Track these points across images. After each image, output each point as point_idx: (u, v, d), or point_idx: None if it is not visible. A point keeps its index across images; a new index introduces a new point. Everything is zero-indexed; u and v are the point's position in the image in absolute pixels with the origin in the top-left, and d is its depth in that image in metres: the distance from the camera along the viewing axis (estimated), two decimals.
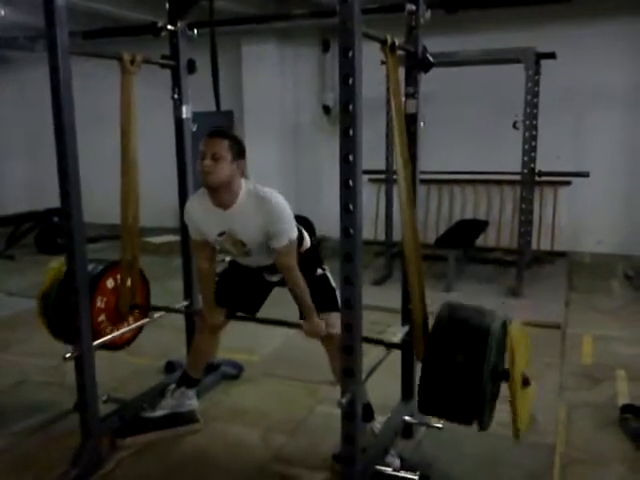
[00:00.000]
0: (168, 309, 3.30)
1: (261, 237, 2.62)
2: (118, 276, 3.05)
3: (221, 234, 2.67)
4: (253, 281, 2.94)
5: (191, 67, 3.18)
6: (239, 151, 2.60)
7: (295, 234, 2.66)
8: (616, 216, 6.75)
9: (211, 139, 2.55)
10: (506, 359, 2.32)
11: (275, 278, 2.91)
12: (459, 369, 2.19)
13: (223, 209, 2.62)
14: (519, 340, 2.26)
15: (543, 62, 5.66)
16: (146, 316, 3.20)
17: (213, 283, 2.92)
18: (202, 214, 2.69)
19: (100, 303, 2.97)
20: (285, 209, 2.59)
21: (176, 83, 3.17)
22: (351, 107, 2.02)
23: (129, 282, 3.04)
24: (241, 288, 2.97)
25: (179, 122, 3.22)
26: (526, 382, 2.27)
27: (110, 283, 3.03)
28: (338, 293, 2.54)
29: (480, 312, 2.33)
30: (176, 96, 3.17)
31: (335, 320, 2.61)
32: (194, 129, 3.26)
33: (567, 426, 3.06)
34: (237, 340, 3.92)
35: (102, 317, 2.99)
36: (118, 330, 3.05)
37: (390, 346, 2.73)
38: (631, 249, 6.66)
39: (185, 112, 3.20)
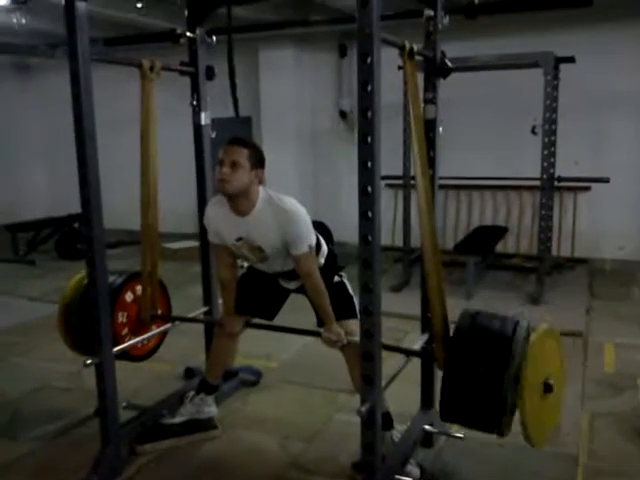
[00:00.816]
0: (189, 319, 3.30)
1: (279, 244, 2.61)
2: (137, 287, 3.06)
3: (239, 239, 2.67)
4: (270, 287, 2.94)
5: (210, 74, 3.19)
6: (258, 160, 2.60)
7: (314, 240, 2.66)
8: (637, 222, 6.67)
9: (230, 147, 2.56)
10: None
11: (292, 285, 2.90)
12: (481, 377, 2.16)
13: (241, 216, 2.63)
14: (540, 344, 2.23)
15: (562, 67, 5.60)
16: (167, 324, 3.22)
17: (234, 291, 2.92)
18: (221, 219, 2.70)
19: (122, 318, 2.98)
20: (303, 216, 2.59)
21: (195, 90, 3.19)
22: (369, 114, 2.01)
23: (149, 292, 3.05)
24: (258, 294, 2.97)
25: (198, 128, 3.23)
26: (548, 388, 2.24)
27: (129, 296, 3.04)
28: (356, 300, 2.51)
29: (502, 319, 2.30)
30: (195, 102, 3.18)
31: (354, 327, 2.60)
32: (213, 135, 3.27)
33: (590, 436, 3.01)
34: (255, 346, 3.93)
35: (125, 331, 3.00)
36: (141, 343, 3.06)
37: (410, 354, 2.70)
38: None
39: (204, 118, 3.21)
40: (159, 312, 3.14)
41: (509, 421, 2.28)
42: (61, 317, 3.03)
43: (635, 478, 2.65)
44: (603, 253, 6.80)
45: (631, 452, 2.86)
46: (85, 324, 2.73)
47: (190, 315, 3.32)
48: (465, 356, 2.23)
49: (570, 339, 4.23)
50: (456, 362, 2.25)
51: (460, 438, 2.71)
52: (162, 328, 3.17)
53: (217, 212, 2.72)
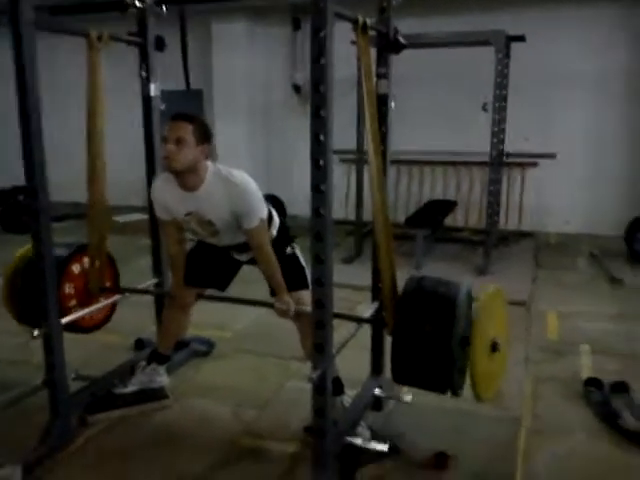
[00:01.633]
0: (138, 290, 3.27)
1: (230, 217, 2.60)
2: (85, 259, 3.01)
3: (188, 214, 2.65)
4: (221, 258, 2.93)
5: (159, 44, 3.12)
6: (203, 135, 2.54)
7: (265, 213, 2.66)
8: (582, 197, 6.90)
9: (174, 123, 2.50)
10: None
11: (244, 257, 2.90)
12: (428, 338, 2.23)
13: (190, 191, 2.59)
14: (488, 306, 2.30)
15: (513, 45, 5.70)
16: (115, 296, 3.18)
17: (183, 266, 2.90)
18: (169, 195, 2.66)
19: (69, 289, 2.93)
20: (253, 189, 2.57)
21: (144, 60, 3.11)
22: (322, 87, 2.01)
23: (97, 264, 3.00)
24: (209, 265, 2.96)
25: (147, 100, 3.16)
26: (495, 347, 2.32)
27: (77, 268, 2.99)
28: (308, 271, 2.55)
29: (446, 283, 2.37)
30: (144, 74, 3.11)
31: (305, 298, 2.64)
32: (162, 107, 3.21)
33: (533, 399, 3.14)
34: (208, 317, 3.92)
35: (72, 302, 2.95)
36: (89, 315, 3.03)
37: (360, 321, 2.75)
38: (596, 229, 6.82)
39: (153, 90, 3.14)
40: (107, 284, 3.10)
41: (460, 381, 2.36)
42: (6, 289, 2.96)
43: (574, 437, 2.77)
44: (549, 227, 7.03)
45: (571, 413, 3.00)
46: (32, 296, 2.68)
47: (140, 287, 3.29)
48: (412, 318, 2.29)
49: (515, 308, 4.38)
50: (404, 325, 2.31)
51: (408, 402, 2.79)
52: (111, 300, 3.13)
53: (164, 188, 2.67)
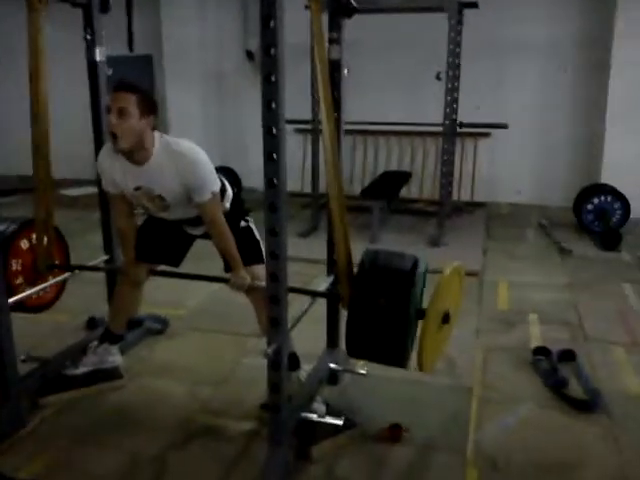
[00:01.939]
0: (89, 267, 3.19)
1: (180, 191, 2.53)
2: (33, 235, 2.91)
3: (137, 189, 2.57)
4: (174, 233, 2.87)
5: (104, 6, 2.99)
6: (149, 106, 2.44)
7: (218, 186, 2.60)
8: (533, 167, 7.02)
9: (117, 93, 2.39)
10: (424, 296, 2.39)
11: (197, 232, 2.85)
12: (383, 312, 2.24)
13: (138, 165, 2.51)
14: (447, 280, 2.33)
15: (466, 12, 5.69)
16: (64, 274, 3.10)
17: (133, 240, 2.83)
18: (116, 169, 2.56)
19: (16, 266, 2.83)
20: (204, 162, 2.50)
21: (88, 23, 2.98)
22: (273, 51, 1.95)
23: (45, 241, 2.91)
24: (161, 240, 2.89)
25: (92, 65, 3.04)
26: (445, 319, 2.35)
27: (24, 244, 2.89)
28: (263, 245, 2.53)
29: (401, 256, 2.38)
30: (88, 37, 2.98)
31: (261, 272, 2.61)
32: (109, 73, 3.09)
33: (483, 368, 3.21)
34: (162, 294, 3.87)
35: (19, 280, 2.85)
36: (38, 294, 2.94)
37: (315, 295, 2.75)
38: (546, 199, 6.97)
39: (99, 54, 3.02)
40: (56, 261, 3.02)
41: (411, 353, 2.39)
42: None
43: (523, 405, 2.86)
44: (501, 197, 7.14)
45: (520, 382, 3.08)
46: None
47: (90, 264, 3.21)
48: (367, 292, 2.29)
49: (467, 279, 4.43)
50: (359, 299, 2.31)
51: (364, 375, 2.82)
52: (60, 278, 3.05)
53: (112, 162, 2.57)
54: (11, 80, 6.05)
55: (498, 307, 4.08)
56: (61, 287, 3.16)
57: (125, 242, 2.84)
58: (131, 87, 2.41)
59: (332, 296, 2.77)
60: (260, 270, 2.63)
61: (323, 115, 2.36)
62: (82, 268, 3.15)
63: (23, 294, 2.80)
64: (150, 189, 2.55)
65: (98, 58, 3.03)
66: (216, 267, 2.82)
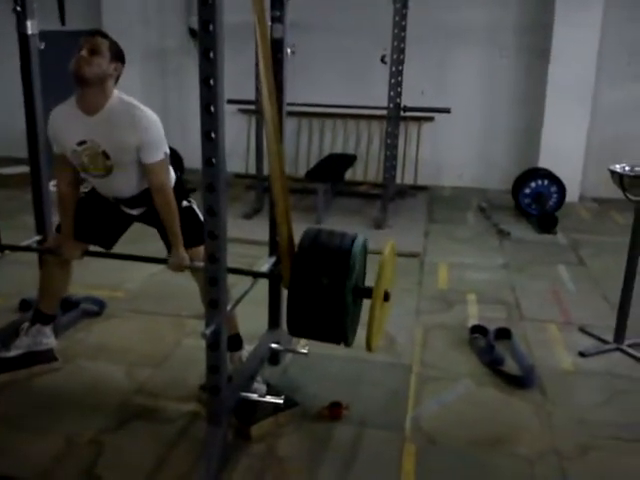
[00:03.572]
0: (20, 247, 3.07)
1: (128, 148, 2.47)
2: None
3: (81, 143, 2.49)
4: (110, 213, 2.79)
5: None
6: (118, 54, 2.50)
7: (168, 151, 2.57)
8: (474, 151, 7.14)
9: (91, 36, 2.45)
10: (369, 278, 2.41)
11: (135, 212, 2.78)
12: (322, 290, 2.24)
13: (89, 114, 2.46)
14: (389, 260, 2.35)
15: None
16: None
17: (72, 212, 2.74)
18: (64, 121, 2.53)
19: None
20: (158, 122, 2.50)
21: None
22: (211, 27, 1.91)
23: None
24: (97, 219, 2.81)
25: (23, 39, 2.90)
26: (386, 297, 2.38)
27: None
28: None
29: (341, 235, 2.38)
30: (18, 8, 2.85)
31: (203, 253, 2.57)
32: (42, 47, 2.97)
33: (423, 347, 3.27)
34: (99, 276, 3.78)
35: None
36: None
37: (257, 275, 2.73)
38: (487, 183, 7.11)
39: (30, 27, 2.89)
40: None
41: (353, 331, 2.41)
42: None
43: (460, 382, 2.93)
44: (443, 181, 7.25)
45: (458, 359, 3.16)
46: None
47: (22, 244, 3.09)
48: (308, 271, 2.29)
49: (409, 260, 4.52)
50: (300, 277, 2.31)
51: (305, 354, 2.82)
52: None
53: (61, 114, 2.54)
54: None
55: (438, 287, 4.16)
56: None
57: (62, 211, 2.75)
58: (104, 34, 2.50)
59: (273, 276, 2.76)
60: (203, 251, 2.58)
61: (264, 94, 2.32)
62: (13, 248, 3.03)
63: None
64: (96, 143, 2.48)
65: (30, 32, 2.90)
66: (155, 249, 2.77)
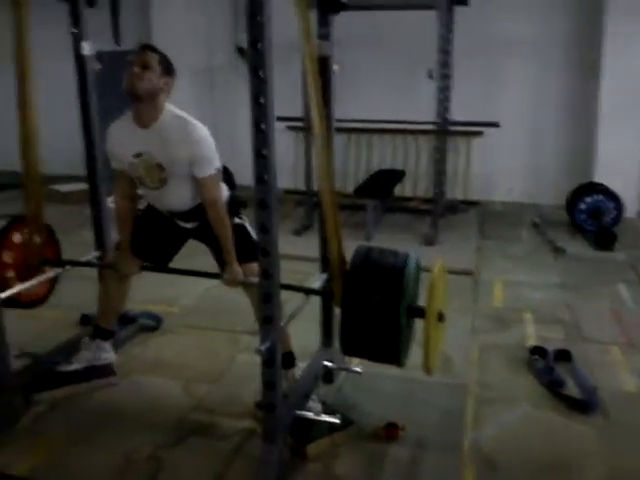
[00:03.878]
0: (80, 263, 3.15)
1: (181, 160, 2.52)
2: (24, 230, 2.87)
3: (137, 155, 2.56)
4: (166, 230, 2.83)
5: None
6: (168, 67, 2.56)
7: (219, 166, 2.61)
8: (524, 166, 7.02)
9: (142, 51, 2.52)
10: (421, 297, 2.38)
11: (189, 225, 2.81)
12: (375, 309, 2.22)
13: (144, 127, 2.53)
14: (439, 278, 2.32)
15: (457, 10, 5.68)
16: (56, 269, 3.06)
17: (130, 226, 2.81)
18: (121, 135, 2.61)
19: (7, 258, 2.79)
20: (209, 137, 2.55)
21: (74, 17, 2.95)
22: (260, 46, 1.94)
23: (36, 236, 2.87)
24: (153, 236, 2.86)
25: (80, 59, 3.01)
26: (441, 317, 2.34)
27: (17, 238, 2.85)
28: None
29: (394, 253, 2.36)
30: (75, 31, 2.95)
31: (255, 269, 2.59)
32: (98, 67, 3.06)
33: (479, 367, 3.21)
34: (155, 292, 3.84)
35: (10, 273, 2.81)
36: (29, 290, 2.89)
37: (309, 292, 2.73)
38: (538, 198, 6.96)
39: (86, 48, 2.98)
40: (48, 257, 2.97)
41: (406, 351, 2.38)
42: None
43: (519, 405, 2.85)
44: (494, 195, 7.14)
45: (516, 380, 3.07)
46: None
47: (82, 259, 3.17)
48: (359, 289, 2.27)
49: (462, 278, 4.45)
50: (352, 296, 2.29)
51: (358, 373, 2.80)
52: (51, 273, 3.01)
53: (117, 128, 2.63)
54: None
55: (493, 306, 4.07)
56: (53, 283, 3.12)
57: (122, 226, 2.82)
58: (154, 48, 2.57)
59: (325, 293, 2.76)
60: (256, 268, 2.60)
61: (313, 112, 2.34)
62: (73, 263, 3.11)
63: (15, 289, 2.75)
64: (151, 156, 2.54)
65: (85, 52, 3.00)
66: (207, 265, 2.80)
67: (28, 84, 2.65)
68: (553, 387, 2.96)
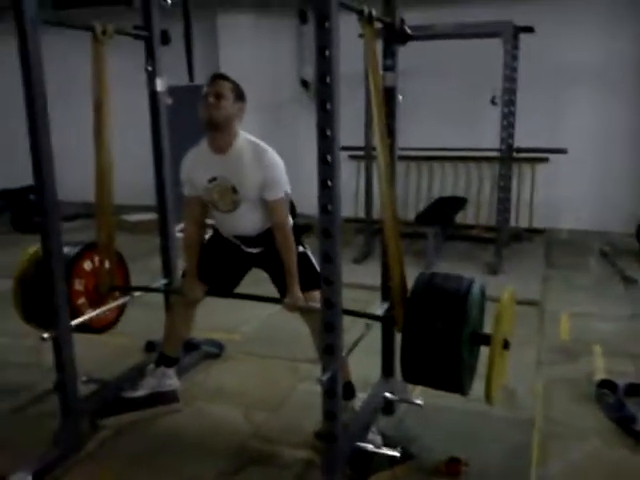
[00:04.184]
0: (148, 289, 3.26)
1: (254, 184, 2.61)
2: (96, 258, 3.00)
3: (212, 180, 2.67)
4: (232, 257, 2.89)
5: (164, 38, 3.11)
6: (240, 94, 2.68)
7: (289, 191, 2.69)
8: (593, 193, 6.82)
9: (215, 81, 2.63)
10: (484, 323, 2.36)
11: (255, 250, 2.85)
12: (438, 335, 2.19)
13: (219, 153, 2.65)
14: (508, 305, 2.27)
15: (522, 36, 5.63)
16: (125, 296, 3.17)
17: (197, 253, 2.89)
18: (197, 160, 2.73)
19: (79, 286, 2.91)
20: (280, 162, 2.64)
21: (149, 55, 3.09)
22: (328, 79, 1.98)
23: (107, 263, 2.99)
24: (220, 263, 2.93)
25: (153, 95, 3.14)
26: (506, 345, 2.29)
27: (88, 265, 2.98)
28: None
29: (457, 278, 2.33)
30: (150, 68, 3.09)
31: (318, 297, 2.61)
32: (170, 102, 3.19)
33: (545, 401, 3.10)
34: (217, 319, 3.91)
35: (82, 300, 2.93)
36: (99, 315, 3.01)
37: (371, 318, 2.71)
38: (607, 225, 6.74)
39: (160, 85, 3.12)
40: (117, 284, 3.08)
41: (469, 379, 2.33)
42: (16, 289, 2.94)
43: (587, 441, 2.74)
44: (560, 223, 6.96)
45: (584, 415, 2.95)
46: (41, 296, 2.66)
47: (151, 286, 3.27)
48: (423, 315, 2.24)
49: (527, 308, 4.33)
50: (413, 321, 2.27)
51: (420, 405, 2.76)
52: (121, 300, 3.12)
53: (193, 155, 2.75)
54: (75, 110, 6.30)
55: (560, 337, 3.94)
56: (122, 309, 3.23)
57: (190, 252, 2.90)
58: (225, 77, 2.70)
59: (386, 319, 2.74)
60: (317, 296, 2.62)
61: (378, 142, 2.37)
62: (142, 289, 3.22)
63: (84, 317, 2.86)
64: (225, 179, 2.64)
65: (159, 88, 3.14)
66: (269, 293, 2.84)
67: (105, 118, 2.79)
68: (623, 423, 2.83)
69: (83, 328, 2.90)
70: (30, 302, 2.90)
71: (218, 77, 2.66)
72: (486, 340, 2.25)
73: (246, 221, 2.75)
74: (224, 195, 2.68)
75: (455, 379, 2.26)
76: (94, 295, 3.00)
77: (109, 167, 2.87)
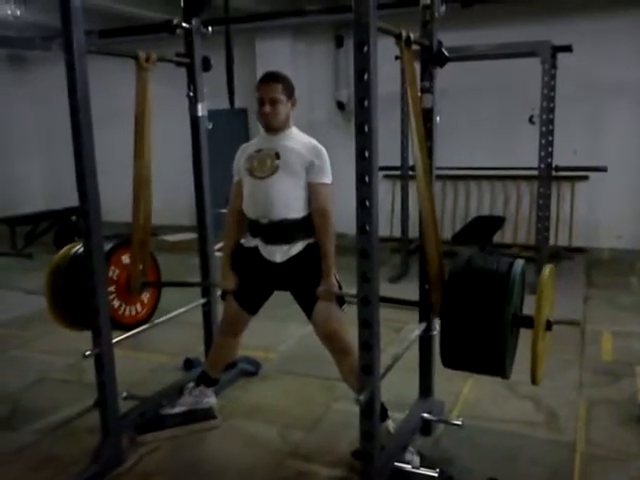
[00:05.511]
0: (178, 284, 3.32)
1: (299, 160, 2.66)
2: (128, 254, 3.09)
3: (259, 150, 2.75)
4: (257, 276, 2.80)
5: (206, 65, 3.20)
6: (291, 89, 2.76)
7: (331, 181, 2.73)
8: (633, 211, 6.67)
9: (266, 85, 2.70)
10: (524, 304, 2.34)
11: (279, 257, 2.70)
12: (478, 318, 2.15)
13: (273, 134, 2.75)
14: (548, 283, 2.22)
15: (560, 55, 5.59)
16: (158, 294, 3.28)
17: (235, 240, 2.88)
18: (250, 144, 2.87)
19: (112, 274, 3.00)
20: (328, 159, 2.70)
21: (191, 81, 3.19)
22: (366, 103, 2.02)
23: (139, 260, 3.07)
24: (244, 281, 2.86)
25: (194, 120, 3.24)
26: (549, 326, 2.25)
27: (125, 259, 3.08)
28: (343, 291, 2.62)
29: (497, 259, 2.30)
30: (191, 94, 3.19)
31: (340, 315, 2.66)
32: (209, 127, 3.27)
33: (587, 423, 3.03)
34: (254, 338, 3.91)
35: (111, 288, 2.97)
36: (130, 312, 3.13)
37: (405, 304, 2.75)
38: None
39: (200, 110, 3.21)
40: (149, 280, 3.17)
41: (511, 362, 2.30)
42: (49, 287, 3.00)
43: (631, 464, 2.66)
44: (601, 242, 6.81)
45: (627, 438, 2.87)
46: (74, 295, 2.79)
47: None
48: (463, 296, 2.21)
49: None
50: (454, 303, 2.23)
51: (459, 425, 2.73)
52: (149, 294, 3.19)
53: (250, 142, 2.90)
54: (118, 133, 6.48)
55: (602, 358, 3.85)
56: (153, 307, 3.29)
57: (228, 236, 2.90)
58: (275, 77, 2.75)
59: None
60: (340, 312, 2.68)
61: (417, 163, 2.39)
62: (172, 284, 3.31)
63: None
64: (271, 149, 2.72)
65: (200, 113, 3.22)
66: (297, 312, 2.84)
67: (146, 140, 2.88)
68: None
69: (115, 324, 2.88)
70: (63, 303, 2.96)
71: (269, 79, 2.72)
72: (529, 322, 2.21)
73: (278, 191, 2.65)
74: (263, 161, 2.71)
75: (498, 362, 2.21)
76: (125, 289, 3.07)
77: (147, 188, 2.96)
